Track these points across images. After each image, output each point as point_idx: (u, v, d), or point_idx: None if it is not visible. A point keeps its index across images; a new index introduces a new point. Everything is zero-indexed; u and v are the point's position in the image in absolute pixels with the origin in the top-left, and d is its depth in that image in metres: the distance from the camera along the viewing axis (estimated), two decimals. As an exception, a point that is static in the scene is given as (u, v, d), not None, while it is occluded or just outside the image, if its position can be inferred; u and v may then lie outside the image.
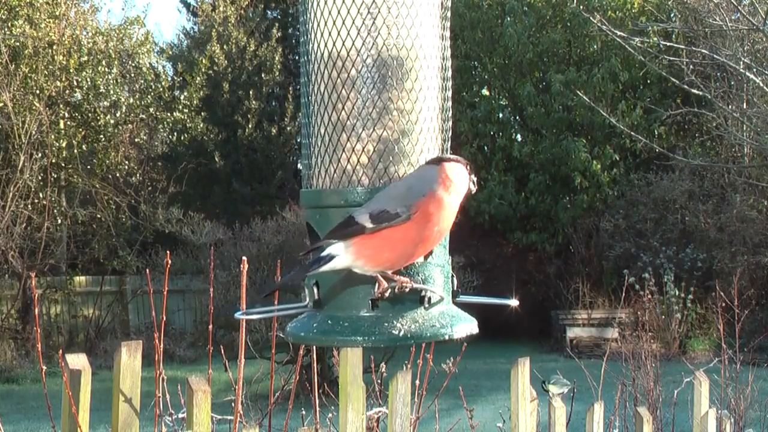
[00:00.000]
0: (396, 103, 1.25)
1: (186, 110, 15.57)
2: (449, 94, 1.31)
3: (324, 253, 1.20)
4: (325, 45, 1.26)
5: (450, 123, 1.32)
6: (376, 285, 1.22)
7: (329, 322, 1.25)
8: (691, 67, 12.54)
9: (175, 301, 14.08)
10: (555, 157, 15.26)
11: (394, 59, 1.25)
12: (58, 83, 13.55)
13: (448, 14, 1.31)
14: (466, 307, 1.32)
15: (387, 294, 1.22)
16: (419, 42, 1.26)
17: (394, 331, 1.21)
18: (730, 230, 13.93)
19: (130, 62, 14.89)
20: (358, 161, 1.25)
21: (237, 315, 1.35)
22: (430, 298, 1.24)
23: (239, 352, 2.12)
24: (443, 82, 1.30)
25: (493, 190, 15.32)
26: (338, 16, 1.24)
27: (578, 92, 13.36)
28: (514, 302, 1.39)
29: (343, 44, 1.24)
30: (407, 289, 1.22)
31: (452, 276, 1.30)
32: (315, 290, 1.27)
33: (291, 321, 1.32)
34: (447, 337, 1.23)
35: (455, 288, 1.30)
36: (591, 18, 12.41)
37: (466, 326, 1.26)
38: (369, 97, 1.24)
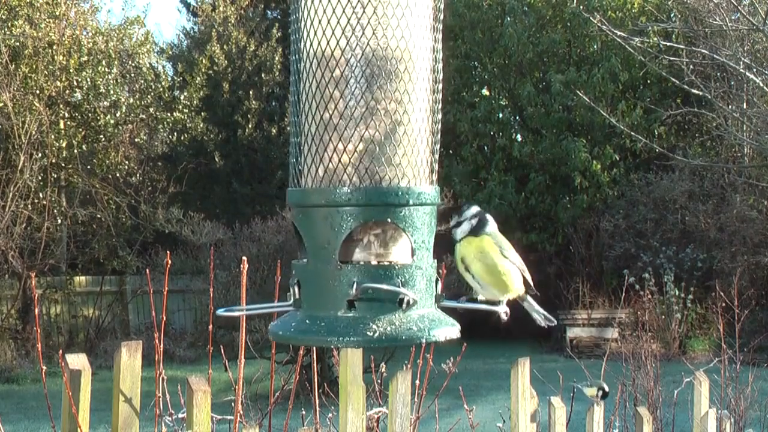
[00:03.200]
0: (382, 103, 1.24)
1: (186, 110, 15.57)
2: (440, 96, 1.30)
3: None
4: (313, 44, 1.26)
5: (440, 125, 1.31)
6: (354, 286, 1.21)
7: (307, 321, 1.24)
8: (691, 67, 12.54)
9: (175, 301, 14.08)
10: (555, 157, 15.25)
11: (383, 59, 1.24)
12: (58, 83, 13.55)
13: (440, 16, 1.30)
14: (457, 310, 1.32)
15: (363, 295, 1.21)
16: (405, 43, 1.25)
17: (368, 333, 1.20)
18: (730, 230, 13.93)
19: (130, 62, 14.89)
20: (340, 161, 1.24)
21: (219, 312, 1.35)
22: (408, 301, 1.23)
23: (239, 352, 2.13)
24: (434, 84, 1.30)
25: (493, 190, 15.31)
26: (324, 15, 1.24)
27: (578, 92, 13.36)
28: (501, 308, 1.38)
29: (329, 44, 1.24)
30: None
31: (436, 280, 1.29)
32: (296, 290, 1.27)
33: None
34: (424, 341, 1.22)
35: (439, 292, 1.29)
36: (591, 18, 12.41)
37: (446, 330, 1.25)
38: (355, 96, 1.24)
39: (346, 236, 1.23)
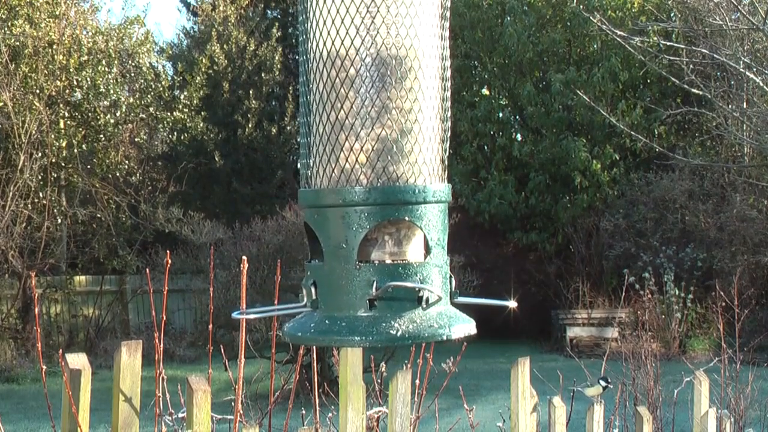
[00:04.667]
0: (395, 102, 1.25)
1: (186, 110, 15.57)
2: (448, 94, 1.31)
3: None
4: (325, 44, 1.26)
5: (449, 123, 1.32)
6: (374, 285, 1.22)
7: (327, 322, 1.24)
8: (691, 66, 12.55)
9: (175, 301, 14.08)
10: (555, 156, 15.25)
11: (393, 58, 1.24)
12: (58, 83, 13.55)
13: (448, 14, 1.31)
14: (464, 308, 1.32)
15: (384, 294, 1.22)
16: (418, 41, 1.26)
17: (391, 331, 1.21)
18: (730, 230, 13.93)
19: (130, 62, 14.89)
20: (357, 161, 1.24)
21: (234, 315, 1.35)
22: (428, 299, 1.23)
23: (239, 352, 2.13)
24: (442, 81, 1.30)
25: (493, 189, 15.31)
26: (337, 16, 1.24)
27: (578, 92, 13.36)
28: (512, 304, 1.38)
29: (342, 43, 1.24)
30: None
31: (450, 277, 1.30)
32: (313, 290, 1.27)
33: (289, 321, 1.32)
34: (445, 338, 1.23)
35: (453, 289, 1.30)
36: (591, 18, 12.42)
37: (464, 327, 1.26)
38: (368, 96, 1.24)
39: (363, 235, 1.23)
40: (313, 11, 1.28)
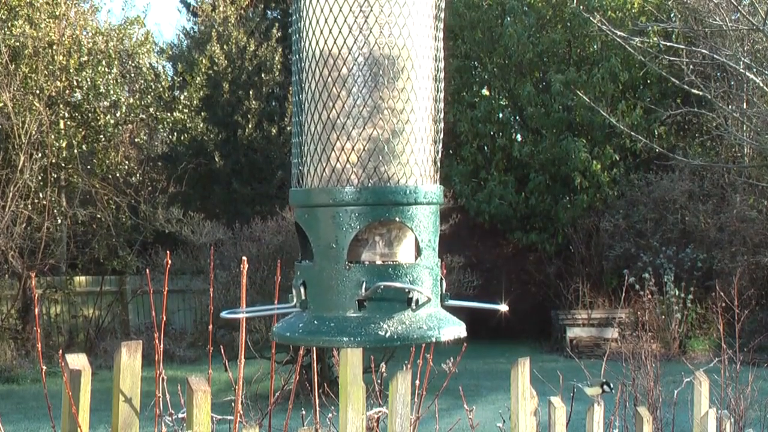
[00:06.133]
0: (387, 102, 1.24)
1: (186, 110, 15.57)
2: (441, 95, 1.30)
3: None
4: (318, 43, 1.25)
5: (442, 124, 1.31)
6: (363, 286, 1.21)
7: (315, 322, 1.24)
8: (691, 67, 12.55)
9: (175, 301, 14.08)
10: (555, 157, 15.26)
11: (386, 58, 1.24)
12: (58, 83, 13.55)
13: (442, 14, 1.30)
14: (456, 310, 1.32)
15: (374, 295, 1.21)
16: (412, 41, 1.25)
17: (380, 332, 1.20)
18: (730, 230, 13.93)
19: (130, 62, 14.89)
20: (348, 160, 1.24)
21: (223, 314, 1.35)
22: (417, 300, 1.22)
23: (239, 352, 2.13)
24: (436, 82, 1.30)
25: (493, 190, 15.31)
26: (330, 15, 1.23)
27: (578, 92, 13.37)
28: (503, 307, 1.38)
29: (335, 43, 1.24)
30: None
31: (441, 279, 1.29)
32: (302, 290, 1.26)
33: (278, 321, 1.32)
34: (434, 340, 1.23)
35: (444, 291, 1.29)
36: (591, 18, 12.42)
37: (454, 329, 1.25)
38: (360, 96, 1.23)
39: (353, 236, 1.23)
40: (306, 10, 1.27)
